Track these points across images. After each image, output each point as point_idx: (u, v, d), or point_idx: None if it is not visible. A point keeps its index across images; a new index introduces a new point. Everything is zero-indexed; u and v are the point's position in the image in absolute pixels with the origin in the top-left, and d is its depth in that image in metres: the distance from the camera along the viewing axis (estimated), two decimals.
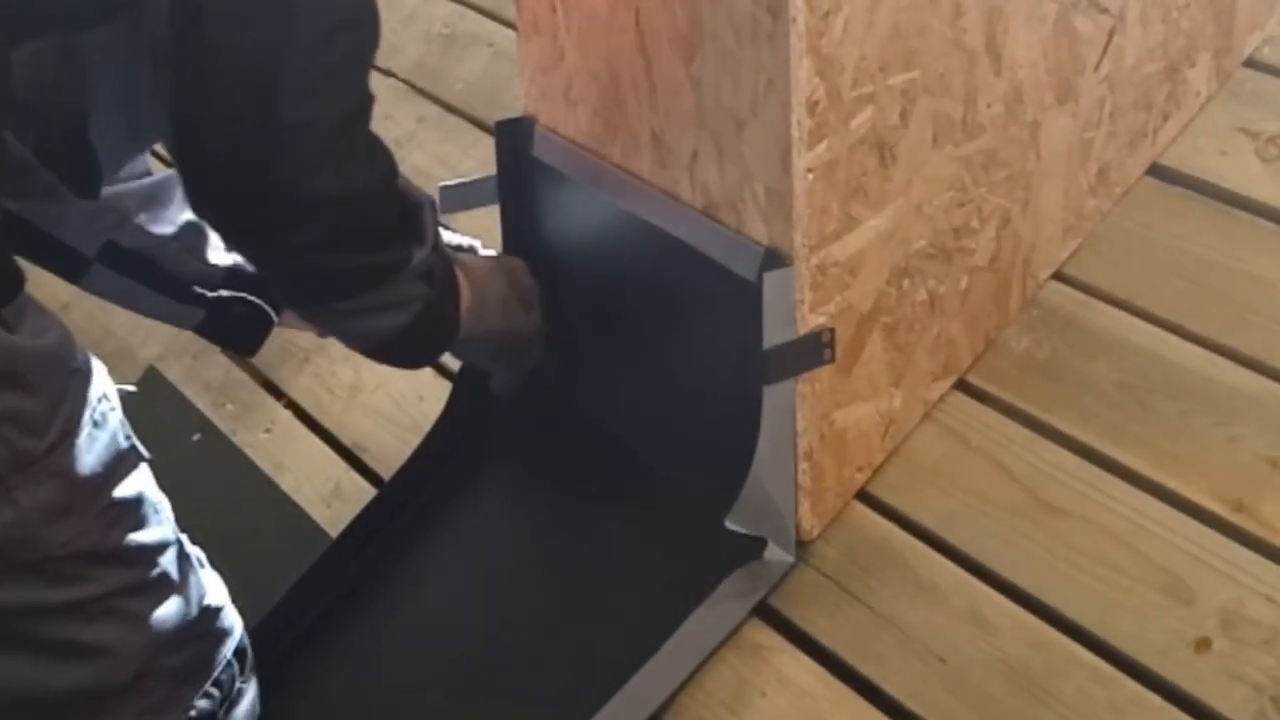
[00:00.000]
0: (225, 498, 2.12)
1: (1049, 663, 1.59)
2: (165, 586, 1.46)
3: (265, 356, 2.27)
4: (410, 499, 2.01)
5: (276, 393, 2.29)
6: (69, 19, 1.38)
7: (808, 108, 1.54)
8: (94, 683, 1.41)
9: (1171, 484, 1.68)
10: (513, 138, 1.91)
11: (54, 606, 1.37)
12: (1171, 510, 1.66)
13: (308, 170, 1.44)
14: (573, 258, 1.93)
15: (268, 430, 2.24)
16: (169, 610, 1.46)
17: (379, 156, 1.52)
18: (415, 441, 2.02)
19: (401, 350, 1.70)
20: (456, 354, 1.87)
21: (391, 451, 2.10)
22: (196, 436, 1.57)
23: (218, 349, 2.34)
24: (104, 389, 1.42)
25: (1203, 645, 1.55)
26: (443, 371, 2.13)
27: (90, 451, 1.37)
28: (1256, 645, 1.54)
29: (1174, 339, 1.80)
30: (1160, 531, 1.64)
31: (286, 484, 2.16)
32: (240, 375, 2.32)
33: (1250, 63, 2.04)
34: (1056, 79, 1.79)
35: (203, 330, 1.75)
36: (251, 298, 1.79)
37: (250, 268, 1.69)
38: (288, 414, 2.26)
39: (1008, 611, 1.65)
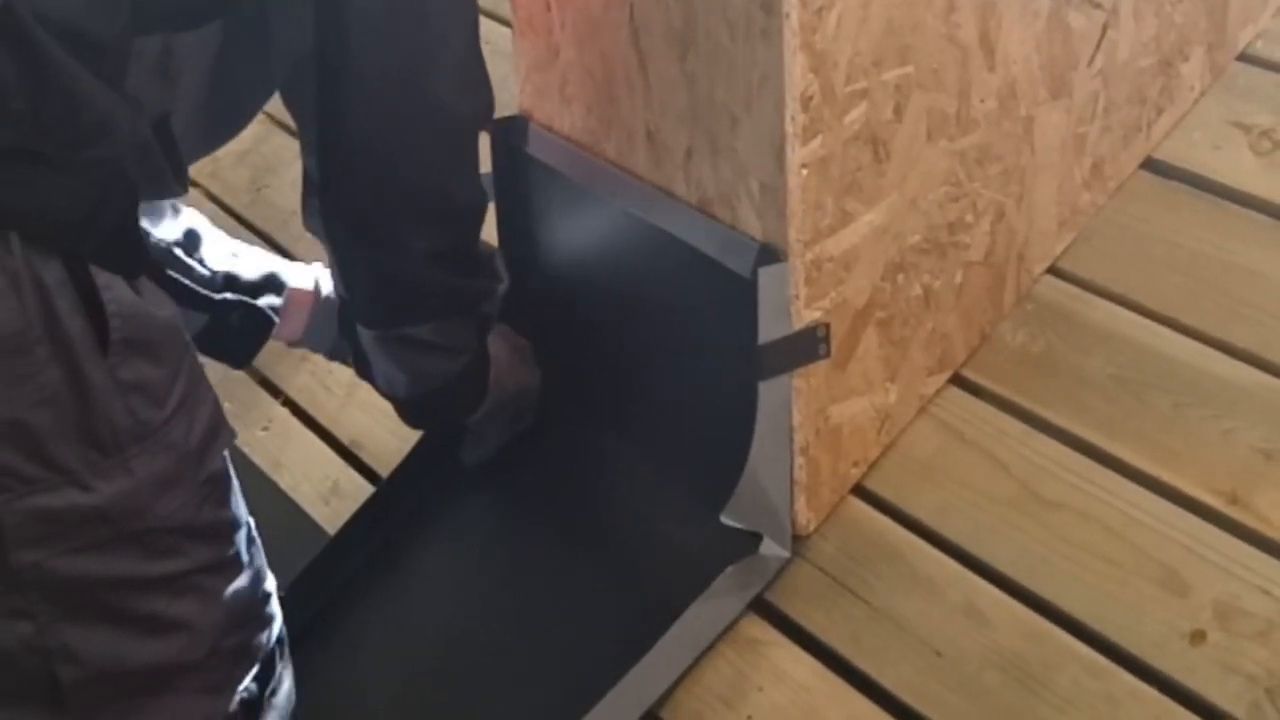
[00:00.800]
0: None
1: (1044, 655, 1.59)
2: (238, 566, 1.47)
3: (262, 355, 2.24)
4: (408, 496, 2.01)
5: (274, 390, 2.28)
6: (180, 19, 1.41)
7: (802, 103, 1.54)
8: (172, 658, 1.41)
9: (1166, 477, 1.68)
10: (508, 136, 1.91)
11: (148, 579, 1.38)
12: (1166, 503, 1.66)
13: (446, 172, 1.55)
14: (567, 255, 1.93)
15: (265, 428, 2.24)
16: (238, 590, 1.47)
17: (485, 180, 1.63)
18: (413, 439, 2.01)
19: (440, 402, 1.77)
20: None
21: (389, 449, 2.09)
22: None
23: None
24: (201, 366, 1.45)
25: (1198, 637, 1.55)
26: None
27: (197, 425, 1.39)
28: (1251, 637, 1.54)
29: (1168, 332, 1.80)
30: (1155, 524, 1.64)
31: (284, 482, 2.15)
32: (237, 373, 2.24)
33: (1243, 57, 2.04)
34: (1050, 74, 1.79)
35: (200, 339, 1.75)
36: (249, 300, 1.81)
37: (248, 275, 1.75)
38: (285, 412, 2.25)
39: (1003, 604, 1.65)
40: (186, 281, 1.73)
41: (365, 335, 1.72)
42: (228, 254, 1.82)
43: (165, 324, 1.37)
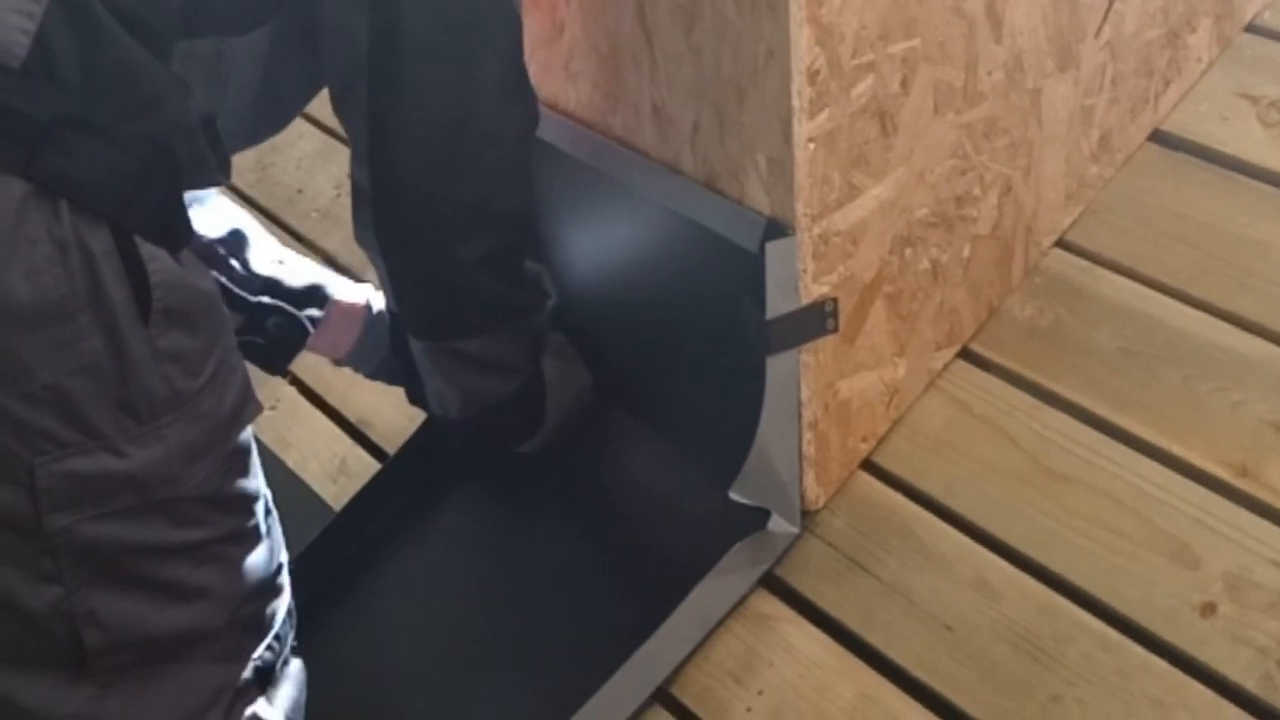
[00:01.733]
0: None
1: (1055, 629, 1.59)
2: (257, 537, 1.49)
3: None
4: (415, 474, 2.01)
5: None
6: (233, 25, 1.46)
7: (808, 77, 1.54)
8: (192, 625, 1.43)
9: (1176, 449, 1.67)
10: None
11: (173, 547, 1.39)
12: (1176, 476, 1.66)
13: (492, 181, 1.58)
14: (573, 234, 1.93)
15: (273, 407, 2.23)
16: (256, 560, 1.48)
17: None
18: (420, 417, 2.01)
19: (494, 424, 1.80)
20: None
21: (397, 427, 2.09)
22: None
23: None
24: (234, 339, 1.46)
25: (1208, 610, 1.55)
26: None
27: (228, 396, 1.41)
28: (1262, 609, 1.53)
29: (1177, 304, 1.79)
30: (1165, 497, 1.64)
31: (292, 460, 2.16)
32: None
33: (1251, 28, 2.03)
34: (1057, 46, 1.78)
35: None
36: (287, 307, 1.81)
37: (291, 283, 1.76)
38: (293, 390, 2.25)
39: (1013, 578, 1.64)
40: (224, 280, 1.74)
41: (417, 349, 1.74)
42: (273, 260, 1.83)
43: (205, 295, 1.39)
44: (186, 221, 1.39)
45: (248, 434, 1.47)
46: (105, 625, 1.37)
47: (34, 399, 1.28)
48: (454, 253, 1.62)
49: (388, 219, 1.62)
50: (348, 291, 1.87)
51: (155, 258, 1.32)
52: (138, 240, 1.31)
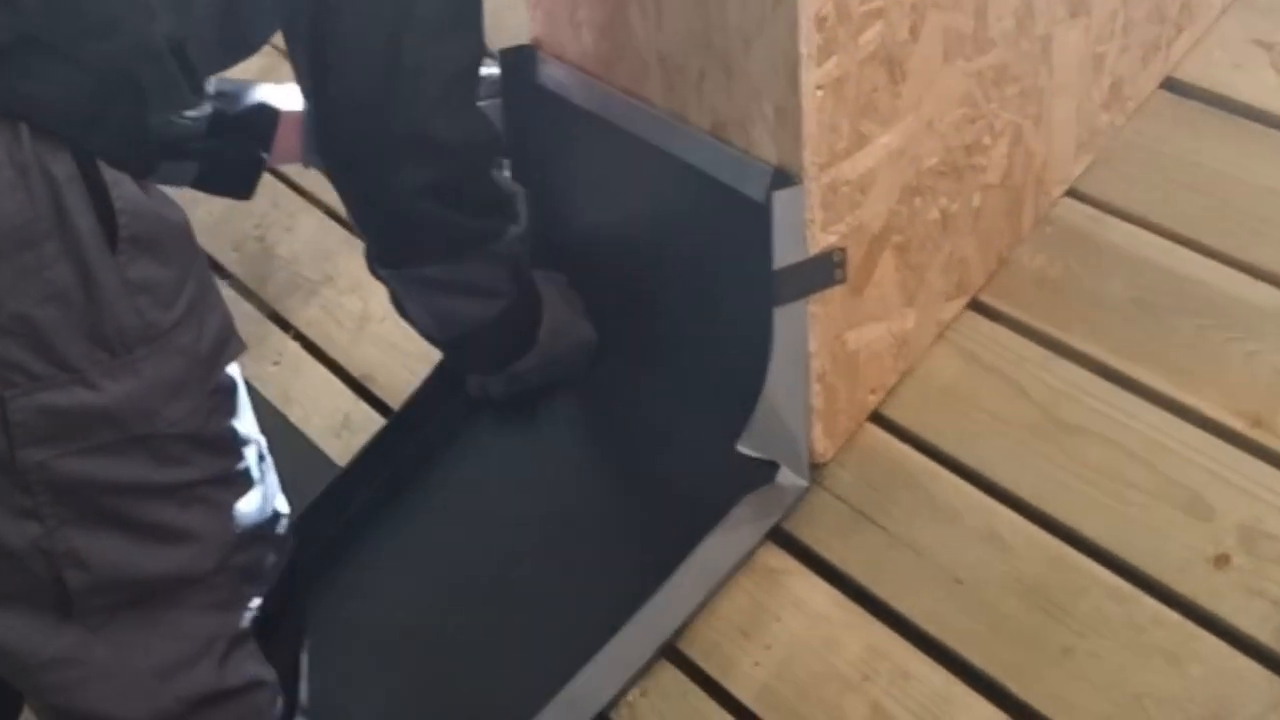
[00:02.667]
0: None
1: (1066, 581, 1.59)
2: (248, 481, 1.47)
3: (272, 288, 2.31)
4: (420, 429, 2.00)
5: (284, 324, 2.28)
6: None
7: (816, 23, 1.52)
8: (179, 569, 1.42)
9: (1189, 400, 1.67)
10: (517, 65, 1.89)
11: (156, 487, 1.38)
12: (1189, 426, 1.65)
13: (428, 112, 1.55)
14: (579, 185, 1.92)
15: (275, 363, 2.23)
16: (249, 506, 1.47)
17: (488, 119, 1.63)
18: (424, 371, 2.02)
19: (478, 346, 1.80)
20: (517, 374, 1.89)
21: (400, 381, 2.08)
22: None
23: (223, 282, 2.33)
24: (212, 275, 1.45)
25: (1222, 561, 1.54)
26: None
27: (206, 332, 1.39)
28: (1276, 560, 1.53)
29: (1189, 254, 1.78)
30: (1178, 448, 1.63)
31: (295, 416, 2.14)
32: (247, 307, 2.30)
33: None
34: None
35: (200, 184, 1.74)
36: (241, 139, 1.77)
37: (231, 110, 1.72)
38: (295, 345, 2.24)
39: (1024, 531, 1.64)
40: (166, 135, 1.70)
41: (386, 275, 1.74)
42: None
43: (175, 226, 1.37)
44: (153, 148, 1.37)
45: (233, 374, 1.45)
46: (88, 566, 1.36)
47: (2, 330, 1.28)
48: (393, 181, 1.60)
49: (328, 145, 1.62)
50: (286, 99, 1.82)
51: (119, 183, 1.31)
52: (101, 166, 1.30)
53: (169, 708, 1.44)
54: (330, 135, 1.61)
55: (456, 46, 1.56)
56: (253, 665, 1.49)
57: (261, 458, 1.51)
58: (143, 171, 1.35)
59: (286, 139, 1.77)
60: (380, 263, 1.72)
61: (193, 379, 1.39)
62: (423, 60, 1.53)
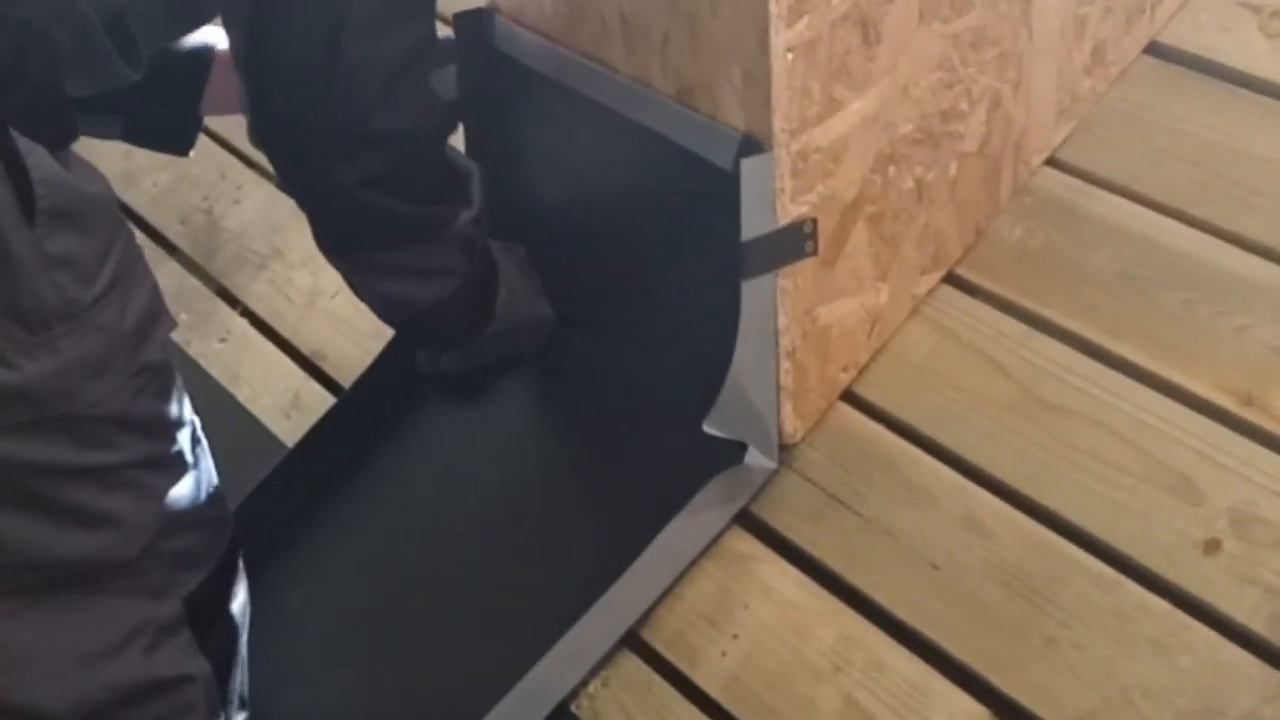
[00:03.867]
0: None
1: (1048, 568, 1.57)
2: (179, 465, 1.44)
3: (220, 263, 2.31)
4: (372, 408, 1.96)
5: (232, 300, 2.24)
6: None
7: None
8: (98, 553, 1.39)
9: (1176, 378, 1.65)
10: (473, 30, 1.86)
11: (75, 469, 1.35)
12: (1177, 405, 1.63)
13: (368, 105, 1.52)
14: (539, 154, 1.88)
15: (223, 340, 2.20)
16: (180, 490, 1.44)
17: (437, 105, 1.60)
18: (377, 348, 1.98)
19: (434, 326, 1.77)
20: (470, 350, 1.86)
21: (352, 359, 2.06)
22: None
23: (169, 256, 2.33)
24: (139, 249, 1.42)
25: (1212, 547, 1.53)
26: None
27: (131, 308, 1.36)
28: (1269, 546, 1.51)
29: (1176, 225, 1.77)
30: (1165, 428, 1.62)
31: (243, 394, 2.12)
32: (194, 283, 2.28)
33: None
34: None
35: (131, 138, 1.73)
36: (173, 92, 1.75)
37: (163, 57, 1.68)
38: (244, 322, 2.21)
39: (1003, 515, 1.62)
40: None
41: (333, 260, 1.71)
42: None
43: (96, 197, 1.34)
44: (70, 118, 1.34)
45: (162, 353, 1.41)
46: (2, 546, 1.34)
47: None
48: (334, 173, 1.57)
49: (264, 134, 1.58)
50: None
51: (34, 153, 1.27)
52: (15, 135, 1.26)
53: (92, 697, 1.40)
54: (266, 126, 1.57)
55: (400, 37, 1.53)
56: (184, 657, 1.46)
57: (196, 440, 1.48)
58: (60, 141, 1.32)
59: (224, 87, 1.72)
60: (326, 248, 1.70)
61: (116, 358, 1.35)
62: (363, 54, 1.50)
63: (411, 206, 1.63)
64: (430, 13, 1.56)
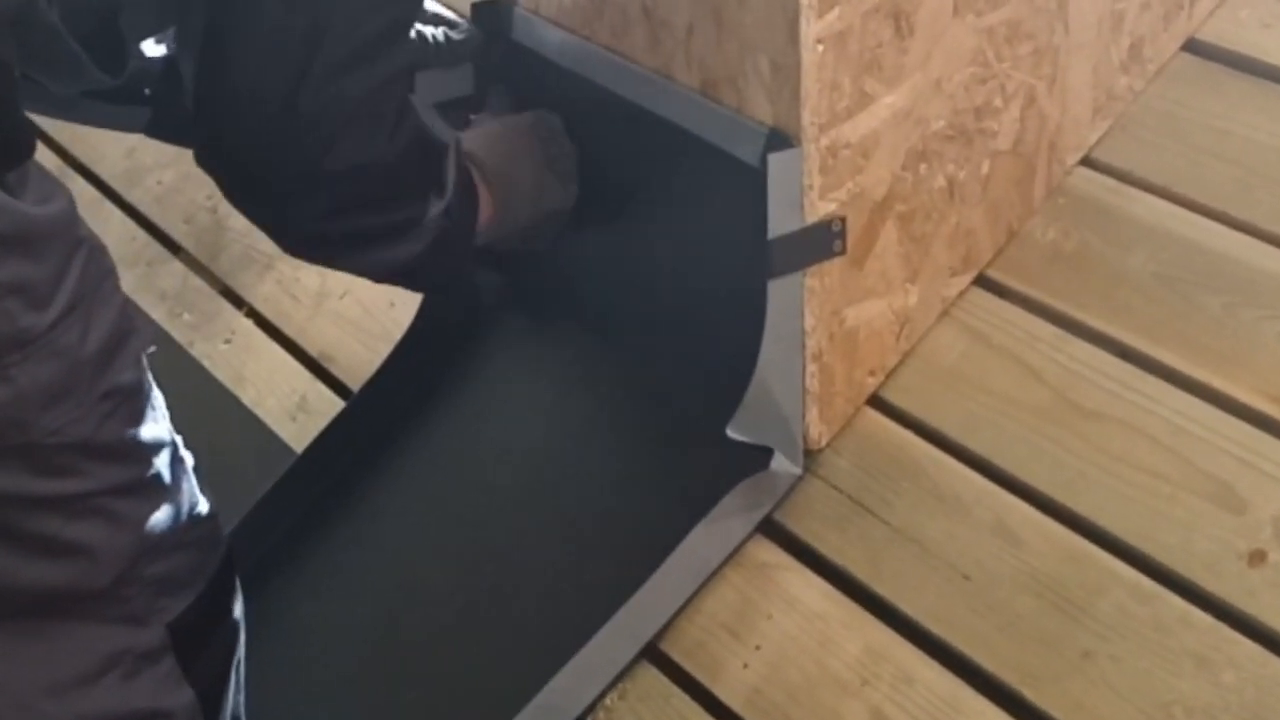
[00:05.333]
0: (182, 413, 2.01)
1: (1084, 578, 1.54)
2: (157, 489, 1.39)
3: (224, 263, 2.29)
4: (381, 412, 1.95)
5: (237, 301, 2.23)
6: None
7: None
8: (67, 583, 1.34)
9: (1217, 383, 1.62)
10: (491, 21, 1.85)
11: (36, 498, 1.30)
12: (1217, 411, 1.60)
13: (328, 147, 1.48)
14: None
15: (228, 341, 2.18)
16: (158, 515, 1.39)
17: (405, 122, 1.53)
18: (386, 350, 1.97)
19: (416, 278, 1.74)
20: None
21: (361, 361, 2.04)
22: (151, 349, 1.56)
23: (173, 255, 2.32)
24: (108, 265, 1.36)
25: (1256, 558, 1.49)
26: None
27: (93, 331, 1.31)
28: None
29: (1217, 226, 1.74)
30: (1206, 434, 1.59)
31: (248, 397, 2.10)
32: (198, 283, 2.27)
33: None
34: None
35: (154, 132, 1.70)
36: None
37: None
38: (249, 323, 2.20)
39: (1037, 523, 1.59)
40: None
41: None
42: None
43: (47, 219, 1.28)
44: (25, 134, 1.29)
45: (134, 373, 1.36)
46: None
47: None
48: (287, 211, 1.54)
49: (212, 170, 1.54)
50: None
51: None
52: None
53: None
54: (213, 159, 1.53)
55: (367, 74, 1.47)
56: (167, 686, 1.41)
57: (179, 460, 1.43)
58: (11, 160, 1.27)
59: None
60: (293, 255, 1.67)
61: (77, 384, 1.30)
62: (326, 99, 1.45)
63: (374, 218, 1.58)
64: (398, 49, 1.51)
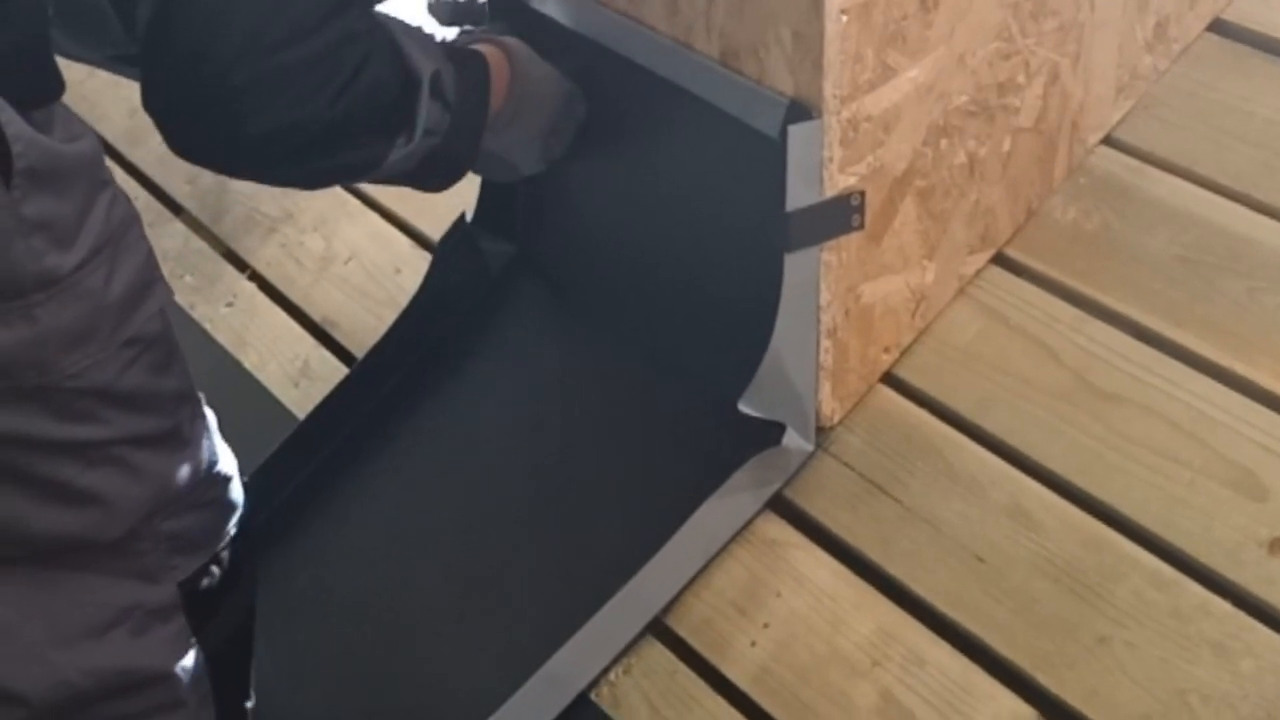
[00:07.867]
0: None
1: (1101, 563, 1.52)
2: (175, 443, 1.38)
3: (227, 225, 2.28)
4: (385, 379, 1.94)
5: (240, 264, 2.22)
6: None
7: None
8: (80, 531, 1.34)
9: (1239, 368, 1.60)
10: None
11: (54, 442, 1.30)
12: (1240, 397, 1.58)
13: (248, 115, 1.41)
14: None
15: (230, 304, 2.17)
16: (176, 470, 1.38)
17: (360, 78, 1.45)
18: (391, 316, 1.96)
19: (411, 183, 1.66)
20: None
21: (365, 327, 2.03)
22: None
23: (174, 216, 2.31)
24: (134, 212, 1.36)
25: (1278, 546, 1.48)
26: (422, 241, 2.08)
27: (118, 276, 1.30)
28: None
29: (1240, 209, 1.73)
30: (1227, 420, 1.56)
31: (250, 362, 2.09)
32: (200, 244, 2.26)
33: None
34: None
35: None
36: None
37: None
38: (251, 286, 2.19)
39: (1053, 506, 1.57)
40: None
41: None
42: None
43: (77, 156, 1.27)
44: (54, 72, 1.28)
45: (159, 324, 1.35)
46: None
47: None
48: (223, 165, 1.52)
49: (155, 115, 1.47)
50: None
51: (5, 109, 1.21)
52: None
53: (70, 680, 1.36)
54: (156, 106, 1.46)
55: (323, 34, 1.42)
56: (176, 644, 1.40)
57: (200, 416, 1.42)
58: (43, 98, 1.26)
59: None
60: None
61: (100, 328, 1.29)
62: (258, 73, 1.39)
63: (323, 162, 1.52)
64: (340, 17, 1.43)
